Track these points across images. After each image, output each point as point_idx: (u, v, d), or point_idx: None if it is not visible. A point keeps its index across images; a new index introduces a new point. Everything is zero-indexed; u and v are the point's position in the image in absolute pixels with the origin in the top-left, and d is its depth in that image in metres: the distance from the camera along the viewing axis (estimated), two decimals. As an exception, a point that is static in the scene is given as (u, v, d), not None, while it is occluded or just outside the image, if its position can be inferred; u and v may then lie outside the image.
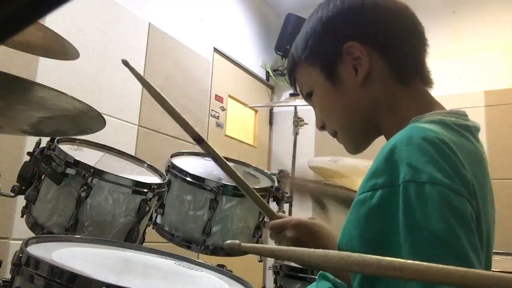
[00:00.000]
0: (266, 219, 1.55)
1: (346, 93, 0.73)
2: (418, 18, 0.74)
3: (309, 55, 0.75)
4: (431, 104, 0.71)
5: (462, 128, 0.63)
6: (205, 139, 0.81)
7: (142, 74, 2.64)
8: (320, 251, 0.39)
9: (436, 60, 3.44)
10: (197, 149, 3.11)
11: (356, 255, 0.37)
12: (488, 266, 0.60)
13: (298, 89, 0.82)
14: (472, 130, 0.65)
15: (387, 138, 0.71)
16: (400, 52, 0.71)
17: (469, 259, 0.49)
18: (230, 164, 1.83)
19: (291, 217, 0.90)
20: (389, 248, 0.51)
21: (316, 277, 0.90)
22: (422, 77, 0.72)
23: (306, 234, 0.83)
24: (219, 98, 3.45)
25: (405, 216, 0.50)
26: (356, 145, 0.77)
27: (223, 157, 0.84)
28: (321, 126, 0.80)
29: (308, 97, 0.79)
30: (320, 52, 0.74)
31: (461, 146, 0.58)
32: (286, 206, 1.76)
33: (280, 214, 0.93)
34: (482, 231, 0.56)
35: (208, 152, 0.82)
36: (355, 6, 0.71)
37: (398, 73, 0.70)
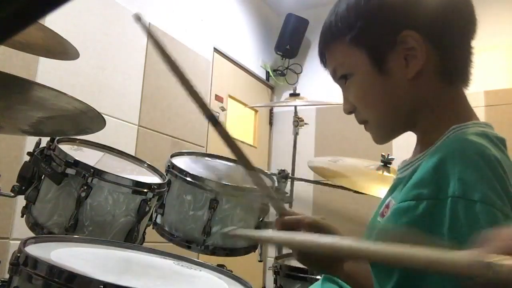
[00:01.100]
0: (265, 219, 1.55)
1: (392, 85, 0.67)
2: None
3: (356, 37, 0.67)
4: (470, 112, 0.69)
5: (500, 141, 0.62)
6: (219, 121, 0.75)
7: (142, 74, 2.65)
8: (314, 237, 0.38)
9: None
10: (197, 149, 3.09)
11: (340, 240, 0.36)
12: None
13: (328, 66, 0.74)
14: (505, 143, 0.64)
15: (419, 136, 0.70)
16: (456, 52, 0.68)
17: None
18: (230, 164, 1.83)
19: (303, 214, 0.81)
20: None
21: (317, 277, 0.88)
22: (466, 79, 0.70)
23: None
24: (219, 98, 3.45)
25: (451, 230, 0.49)
26: (386, 137, 0.73)
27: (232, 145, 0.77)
28: (350, 111, 0.74)
29: (342, 78, 0.72)
30: (372, 36, 0.66)
31: (505, 162, 0.56)
32: (285, 206, 1.76)
33: (290, 210, 0.83)
34: None
35: (221, 132, 0.74)
36: None
37: (448, 73, 0.67)
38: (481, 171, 0.52)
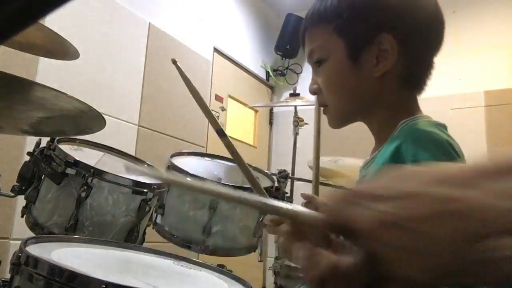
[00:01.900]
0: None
1: (359, 78, 0.73)
2: None
3: (341, 26, 0.72)
4: (417, 108, 0.75)
5: (443, 127, 0.69)
6: (226, 134, 0.82)
7: (142, 74, 2.65)
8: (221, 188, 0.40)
9: (436, 60, 3.44)
10: (197, 149, 3.09)
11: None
12: None
13: (306, 46, 0.79)
14: (446, 128, 0.70)
15: (373, 130, 0.77)
16: (421, 63, 0.74)
17: None
18: (231, 164, 1.83)
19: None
20: None
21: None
22: (422, 88, 0.76)
23: None
24: (219, 98, 3.45)
25: None
26: (340, 123, 0.80)
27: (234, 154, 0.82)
28: (314, 92, 0.79)
29: (317, 61, 0.77)
30: (355, 30, 0.72)
31: (454, 143, 0.64)
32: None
33: None
34: None
35: (229, 146, 0.81)
36: (404, 0, 0.72)
37: (409, 80, 0.73)
38: (431, 152, 0.59)
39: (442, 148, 0.60)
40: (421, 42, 0.72)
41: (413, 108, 0.74)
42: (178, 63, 0.81)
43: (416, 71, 0.73)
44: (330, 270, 0.32)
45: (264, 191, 0.83)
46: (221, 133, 0.80)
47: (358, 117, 0.78)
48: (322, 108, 0.80)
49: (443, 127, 0.69)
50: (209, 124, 0.81)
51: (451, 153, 0.60)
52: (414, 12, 0.71)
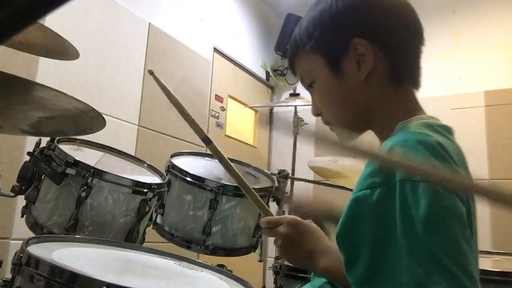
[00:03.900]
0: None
1: (347, 86, 0.74)
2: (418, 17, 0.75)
3: (315, 45, 0.75)
4: (416, 107, 0.75)
5: (443, 129, 0.68)
6: (212, 141, 0.85)
7: (142, 74, 2.65)
8: None
9: (436, 60, 3.44)
10: (197, 149, 3.10)
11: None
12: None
13: (298, 75, 0.82)
14: (450, 130, 0.69)
15: (378, 135, 0.77)
16: (403, 55, 0.73)
17: (460, 247, 0.53)
18: (231, 164, 1.82)
19: (287, 215, 0.92)
20: (387, 241, 0.55)
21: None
22: (414, 80, 0.75)
23: (299, 233, 0.84)
24: (219, 98, 3.45)
25: (401, 211, 0.54)
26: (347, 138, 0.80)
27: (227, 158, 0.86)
28: (317, 114, 0.82)
29: (310, 86, 0.80)
30: (326, 44, 0.74)
31: (450, 146, 0.62)
32: (285, 206, 1.76)
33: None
34: (472, 225, 0.59)
35: (216, 153, 0.85)
36: (366, 1, 0.73)
37: (396, 75, 0.73)
38: (421, 155, 0.58)
39: (433, 150, 0.59)
40: (395, 35, 0.72)
41: (412, 108, 0.74)
42: (155, 73, 0.84)
43: (400, 64, 0.73)
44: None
45: (257, 195, 0.87)
46: (206, 141, 0.83)
47: (363, 126, 0.78)
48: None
49: (444, 128, 0.68)
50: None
51: (444, 156, 0.59)
52: (379, 10, 0.73)
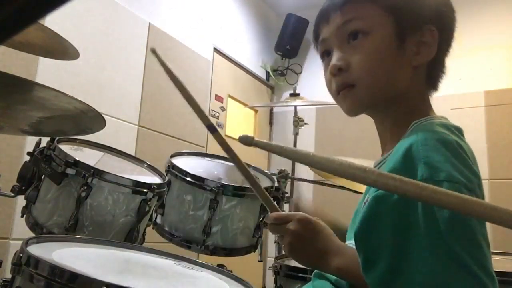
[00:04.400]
0: (266, 219, 1.55)
1: (399, 62, 0.70)
2: None
3: (395, 6, 0.70)
4: (430, 109, 0.75)
5: (457, 130, 0.68)
6: (217, 129, 0.77)
7: (142, 74, 2.65)
8: (337, 160, 0.44)
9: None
10: (197, 149, 3.09)
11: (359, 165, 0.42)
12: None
13: (343, 14, 0.72)
14: (462, 131, 0.69)
15: (383, 127, 0.76)
16: (442, 61, 0.76)
17: (481, 247, 0.53)
18: (231, 164, 1.82)
19: (296, 212, 0.84)
20: (408, 241, 0.54)
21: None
22: (436, 87, 0.77)
23: (309, 230, 0.77)
24: (219, 98, 3.45)
25: (424, 211, 0.54)
26: (360, 107, 0.74)
27: (229, 153, 0.81)
28: (340, 69, 0.72)
29: (351, 33, 0.71)
30: (407, 13, 0.70)
31: (464, 146, 0.63)
32: (286, 206, 1.76)
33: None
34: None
35: (221, 143, 0.78)
36: (450, 3, 0.74)
37: (432, 77, 0.75)
38: (443, 155, 0.58)
39: (453, 149, 0.59)
40: (450, 41, 0.74)
41: (427, 109, 0.74)
42: (157, 52, 0.76)
43: (439, 69, 0.74)
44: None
45: (264, 190, 0.81)
46: (212, 129, 0.75)
47: (380, 106, 0.73)
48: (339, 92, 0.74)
49: (456, 129, 0.68)
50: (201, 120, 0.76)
51: (462, 155, 0.59)
52: (453, 13, 0.74)
